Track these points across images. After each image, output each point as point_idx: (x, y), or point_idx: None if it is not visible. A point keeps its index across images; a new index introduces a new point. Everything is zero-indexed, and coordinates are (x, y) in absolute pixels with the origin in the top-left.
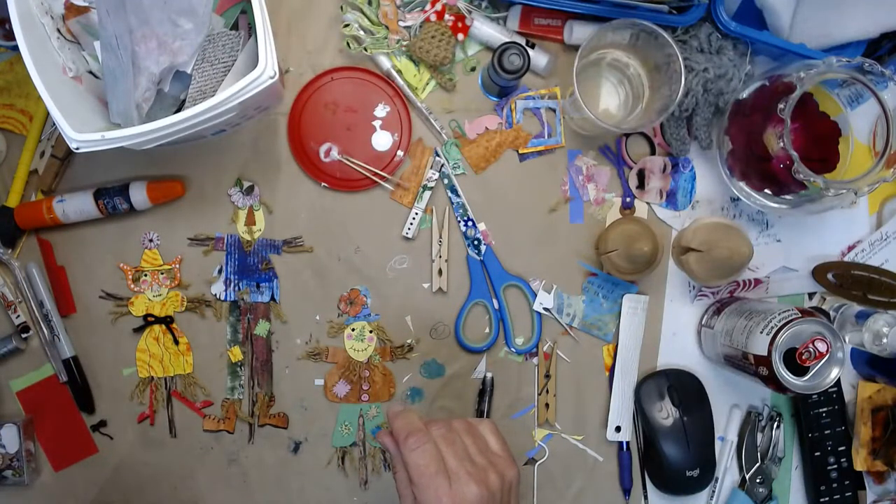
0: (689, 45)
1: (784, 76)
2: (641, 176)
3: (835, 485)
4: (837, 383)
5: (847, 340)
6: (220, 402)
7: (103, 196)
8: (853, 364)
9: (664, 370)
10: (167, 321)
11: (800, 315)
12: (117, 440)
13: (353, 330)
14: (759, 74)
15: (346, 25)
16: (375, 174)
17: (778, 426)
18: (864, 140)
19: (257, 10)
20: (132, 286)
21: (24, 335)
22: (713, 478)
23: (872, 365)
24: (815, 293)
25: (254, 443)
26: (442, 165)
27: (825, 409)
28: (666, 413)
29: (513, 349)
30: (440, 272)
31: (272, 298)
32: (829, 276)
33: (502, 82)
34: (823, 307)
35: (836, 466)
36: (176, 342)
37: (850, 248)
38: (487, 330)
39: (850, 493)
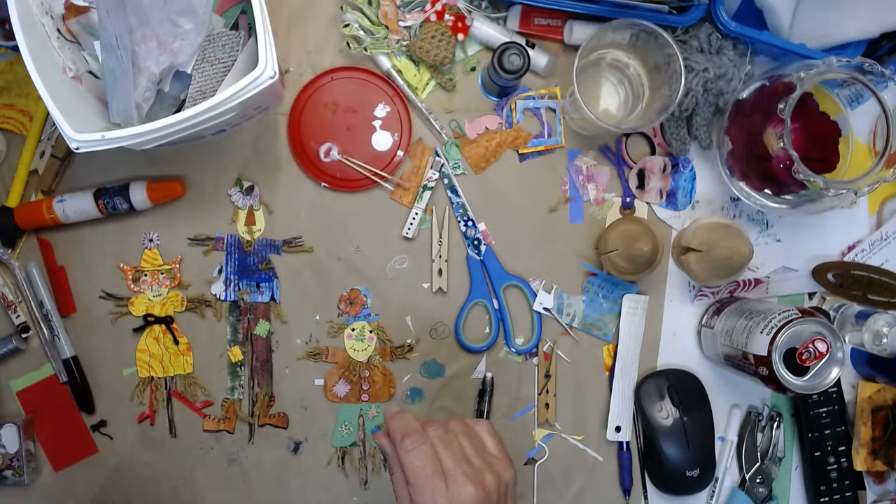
0: (689, 45)
1: (784, 76)
2: (641, 176)
3: (835, 485)
4: (837, 383)
5: (847, 340)
6: (220, 402)
7: (103, 196)
8: (853, 364)
9: (664, 370)
10: (167, 321)
11: (800, 315)
12: (117, 440)
13: (353, 330)
14: (759, 74)
15: (346, 25)
16: (375, 174)
17: (778, 426)
18: (864, 140)
19: (257, 10)
20: (132, 286)
21: (24, 335)
22: (713, 478)
23: (872, 365)
24: (815, 293)
25: (254, 443)
26: (442, 165)
27: (825, 409)
28: (666, 413)
29: (513, 349)
30: (440, 272)
31: (272, 298)
32: (829, 276)
33: (502, 82)
34: (823, 307)
35: (836, 466)
36: (176, 342)
37: (850, 248)
38: (487, 330)
39: (850, 493)
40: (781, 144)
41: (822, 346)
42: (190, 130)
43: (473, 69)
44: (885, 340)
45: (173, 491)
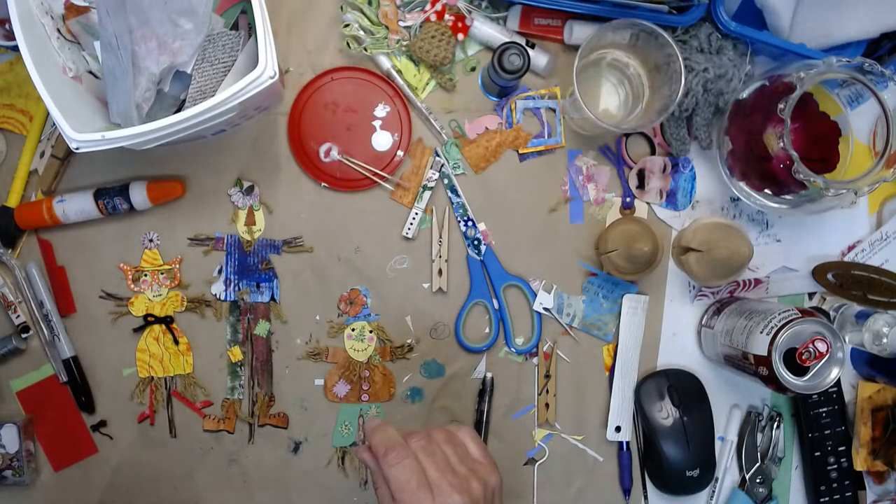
0: (689, 45)
1: (784, 76)
2: (641, 176)
3: (835, 485)
4: (837, 383)
5: (847, 340)
6: (220, 402)
7: (103, 196)
8: (853, 364)
9: (664, 370)
10: (167, 321)
11: (800, 315)
12: (117, 440)
13: (353, 330)
14: (759, 74)
15: (346, 25)
16: (375, 174)
17: (778, 426)
18: (864, 140)
19: (257, 10)
20: (132, 286)
21: (24, 335)
22: (713, 478)
23: (872, 365)
24: (815, 293)
25: (254, 443)
26: (442, 165)
27: (825, 409)
28: (666, 413)
29: (513, 349)
30: (440, 272)
31: (272, 298)
32: (829, 276)
33: (502, 82)
34: (823, 307)
35: (836, 466)
36: (176, 342)
37: (850, 248)
38: (487, 330)
39: (850, 493)
40: (781, 144)
41: (822, 346)
42: (190, 130)
43: (473, 69)
44: (885, 340)
45: (173, 491)
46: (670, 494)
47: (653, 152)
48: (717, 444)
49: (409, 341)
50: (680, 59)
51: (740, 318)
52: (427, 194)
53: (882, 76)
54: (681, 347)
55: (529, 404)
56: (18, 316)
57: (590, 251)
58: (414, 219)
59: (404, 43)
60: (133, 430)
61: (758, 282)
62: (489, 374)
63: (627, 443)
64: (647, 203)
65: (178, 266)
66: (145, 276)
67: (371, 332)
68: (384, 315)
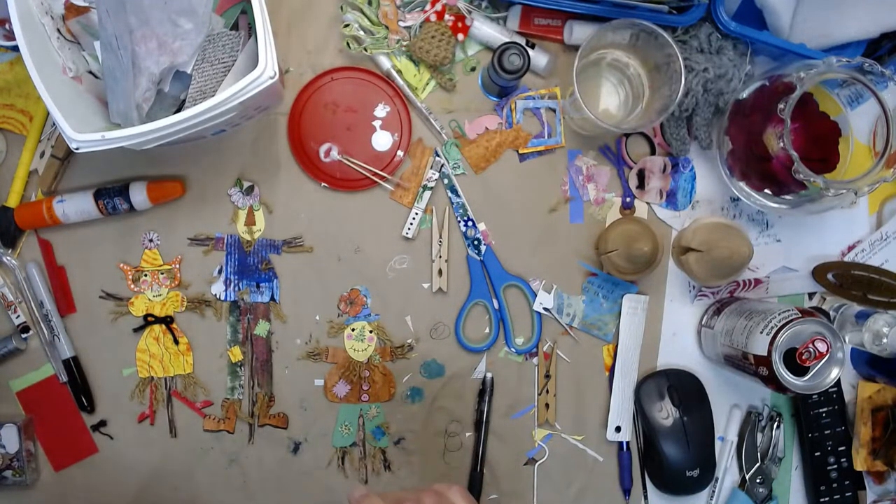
0: (689, 45)
1: (784, 76)
2: (641, 176)
3: (835, 485)
4: (837, 383)
5: (847, 340)
6: (220, 402)
7: (103, 196)
8: (853, 364)
9: (664, 370)
10: (167, 321)
11: (800, 315)
12: (117, 440)
13: (353, 330)
14: (759, 74)
15: (346, 25)
16: (375, 174)
17: (778, 426)
18: (864, 140)
19: (257, 10)
20: (132, 286)
21: (24, 335)
22: (713, 478)
23: (872, 365)
24: (815, 293)
25: (254, 443)
26: (442, 165)
27: (825, 409)
28: (666, 413)
29: (513, 349)
30: (440, 272)
31: (272, 298)
32: (829, 276)
33: (502, 82)
34: (823, 307)
35: (836, 466)
36: (176, 342)
37: (850, 248)
38: (487, 330)
39: (850, 493)
40: (781, 144)
41: (822, 346)
42: (190, 130)
43: (473, 69)
44: (885, 340)
45: (173, 491)
46: (670, 494)
47: (653, 152)
48: (717, 444)
49: (409, 341)
50: (680, 59)
51: (740, 318)
52: (427, 194)
53: (882, 76)
54: (681, 347)
55: (529, 404)
56: (18, 316)
57: (590, 251)
58: (414, 219)
59: (404, 43)
60: (133, 430)
61: (758, 282)
62: (489, 374)
63: (627, 443)
64: (647, 203)
65: (178, 266)
66: (145, 276)
67: (371, 332)
68: (384, 315)
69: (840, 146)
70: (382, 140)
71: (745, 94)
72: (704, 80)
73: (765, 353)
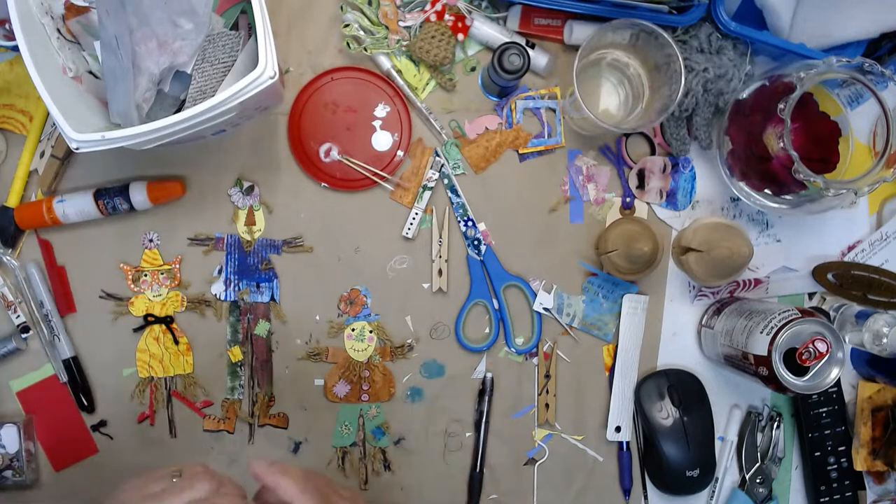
0: (689, 45)
1: (784, 76)
2: (641, 176)
3: (835, 485)
4: (837, 383)
5: (847, 340)
6: (220, 402)
7: (103, 196)
8: (853, 364)
9: (664, 370)
10: (167, 321)
11: (800, 315)
12: (117, 440)
13: (353, 330)
14: (759, 74)
15: (346, 25)
16: (375, 174)
17: (778, 426)
18: (864, 140)
19: (257, 10)
20: (132, 286)
21: (24, 335)
22: (713, 478)
23: (872, 365)
24: (815, 293)
25: (254, 443)
26: (442, 165)
27: (825, 409)
28: (666, 413)
29: (513, 349)
30: (440, 272)
31: (272, 298)
32: (829, 276)
33: (502, 82)
34: (823, 307)
35: (836, 466)
36: (176, 342)
37: (850, 248)
38: (487, 330)
39: (850, 493)
40: (781, 144)
41: (822, 346)
42: (190, 130)
43: (473, 69)
44: (885, 340)
45: None
46: (670, 494)
47: (653, 152)
48: (717, 444)
49: (409, 341)
50: (680, 59)
51: (740, 318)
52: (427, 194)
53: (882, 76)
54: (681, 347)
55: (529, 404)
56: (18, 316)
57: (590, 251)
58: (414, 219)
59: (404, 43)
60: (133, 430)
61: (758, 282)
62: (489, 374)
63: (627, 443)
64: (647, 203)
65: (178, 266)
66: (145, 276)
67: (371, 332)
68: (384, 315)
69: (840, 146)
70: (382, 140)
71: (745, 94)
72: (704, 80)
73: (765, 353)
